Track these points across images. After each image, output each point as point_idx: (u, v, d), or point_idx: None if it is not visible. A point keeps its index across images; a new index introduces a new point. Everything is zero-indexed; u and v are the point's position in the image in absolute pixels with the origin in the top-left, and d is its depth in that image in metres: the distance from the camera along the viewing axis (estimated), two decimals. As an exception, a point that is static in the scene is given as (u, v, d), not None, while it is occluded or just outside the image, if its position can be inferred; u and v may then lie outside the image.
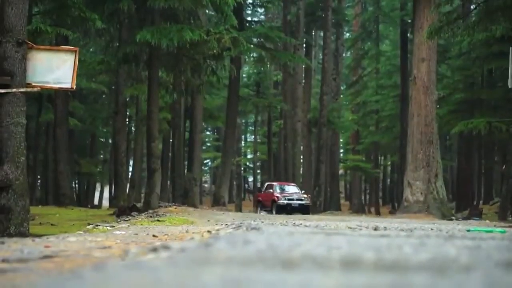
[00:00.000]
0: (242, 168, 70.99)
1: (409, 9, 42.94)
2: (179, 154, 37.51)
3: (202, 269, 3.27)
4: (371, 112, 55.85)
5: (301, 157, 48.80)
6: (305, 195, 37.99)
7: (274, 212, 35.45)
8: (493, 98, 39.04)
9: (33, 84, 14.35)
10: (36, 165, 40.15)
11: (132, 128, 43.37)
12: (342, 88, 62.21)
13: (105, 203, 51.44)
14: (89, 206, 41.35)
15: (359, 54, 56.13)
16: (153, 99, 24.25)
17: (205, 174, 79.48)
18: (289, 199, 37.00)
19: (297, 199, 37.08)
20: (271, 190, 38.39)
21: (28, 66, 14.17)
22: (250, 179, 78.07)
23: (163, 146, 40.23)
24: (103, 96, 50.49)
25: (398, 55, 48.51)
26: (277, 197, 37.22)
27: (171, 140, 39.12)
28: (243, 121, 72.38)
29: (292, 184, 41.87)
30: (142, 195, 36.36)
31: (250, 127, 74.71)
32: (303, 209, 36.40)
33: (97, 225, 12.58)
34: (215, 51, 24.35)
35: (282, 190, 38.75)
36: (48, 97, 37.53)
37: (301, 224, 11.35)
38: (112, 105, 41.10)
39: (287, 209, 36.02)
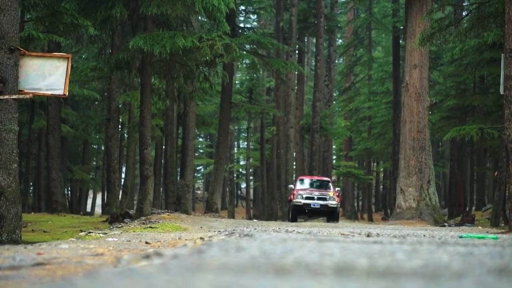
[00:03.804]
0: (235, 175, 71.01)
1: (401, 16, 43.07)
2: (171, 161, 37.45)
3: (195, 276, 3.27)
4: (364, 118, 55.98)
5: (294, 163, 48.81)
6: (332, 193, 29.23)
7: (289, 216, 29.00)
8: (485, 104, 39.16)
9: (25, 90, 14.33)
10: (28, 172, 40.04)
11: (125, 135, 43.31)
12: (334, 94, 62.33)
13: (98, 210, 51.36)
14: (81, 213, 41.27)
15: (351, 61, 56.26)
16: (145, 106, 24.23)
17: (197, 181, 79.47)
18: (307, 198, 28.56)
19: (319, 198, 28.60)
20: (293, 186, 30.80)
21: (20, 73, 14.16)
22: (243, 185, 78.05)
23: (156, 153, 40.19)
24: (96, 103, 50.46)
25: (390, 61, 48.62)
26: (294, 194, 29.05)
27: (163, 147, 39.05)
28: (236, 127, 72.42)
29: (325, 178, 33.55)
30: (135, 202, 36.32)
31: (243, 134, 74.74)
32: (328, 213, 28.68)
33: (89, 232, 12.55)
34: (207, 58, 24.37)
35: (304, 186, 30.50)
36: (41, 103, 37.48)
37: (294, 230, 11.35)
38: (105, 111, 41.07)
39: (304, 211, 28.75)
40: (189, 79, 26.49)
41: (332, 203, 28.63)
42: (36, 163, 40.38)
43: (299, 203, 28.46)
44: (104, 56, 28.84)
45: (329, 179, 33.44)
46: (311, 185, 30.78)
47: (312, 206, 28.41)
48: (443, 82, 45.77)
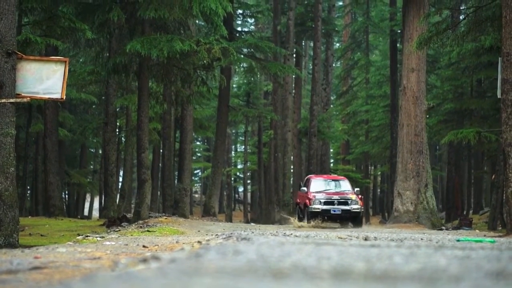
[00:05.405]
0: (233, 178, 70.96)
1: (399, 20, 43.09)
2: (169, 165, 37.43)
3: (193, 280, 3.27)
4: (361, 122, 55.96)
5: (292, 167, 48.81)
6: (354, 196, 25.67)
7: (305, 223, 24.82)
8: (483, 108, 39.16)
9: (23, 94, 14.33)
10: (25, 175, 40.00)
11: (122, 139, 43.30)
12: (332, 98, 62.35)
13: (95, 213, 51.30)
14: (79, 216, 41.26)
15: (349, 64, 56.28)
16: (143, 110, 24.23)
17: (195, 185, 79.42)
18: (326, 203, 25.07)
19: (340, 202, 25.14)
20: (306, 189, 26.58)
21: (17, 77, 14.16)
22: (241, 189, 77.99)
23: (153, 157, 40.18)
24: (93, 106, 50.42)
25: (387, 65, 48.62)
26: (310, 199, 25.32)
27: (161, 151, 39.06)
28: (233, 131, 72.41)
29: (341, 177, 29.64)
30: (132, 205, 36.28)
31: (240, 137, 74.71)
32: (351, 219, 25.27)
33: (87, 236, 12.54)
34: (205, 62, 24.39)
35: (319, 188, 26.61)
36: (38, 107, 37.45)
37: (291, 234, 11.35)
38: (102, 115, 41.05)
39: (324, 218, 24.78)
40: (187, 83, 26.52)
41: (355, 207, 25.19)
42: (34, 167, 40.33)
43: (317, 210, 24.86)
44: (101, 60, 28.84)
45: (345, 178, 29.48)
46: (329, 187, 27.16)
47: (332, 212, 24.93)
48: (441, 86, 45.77)
